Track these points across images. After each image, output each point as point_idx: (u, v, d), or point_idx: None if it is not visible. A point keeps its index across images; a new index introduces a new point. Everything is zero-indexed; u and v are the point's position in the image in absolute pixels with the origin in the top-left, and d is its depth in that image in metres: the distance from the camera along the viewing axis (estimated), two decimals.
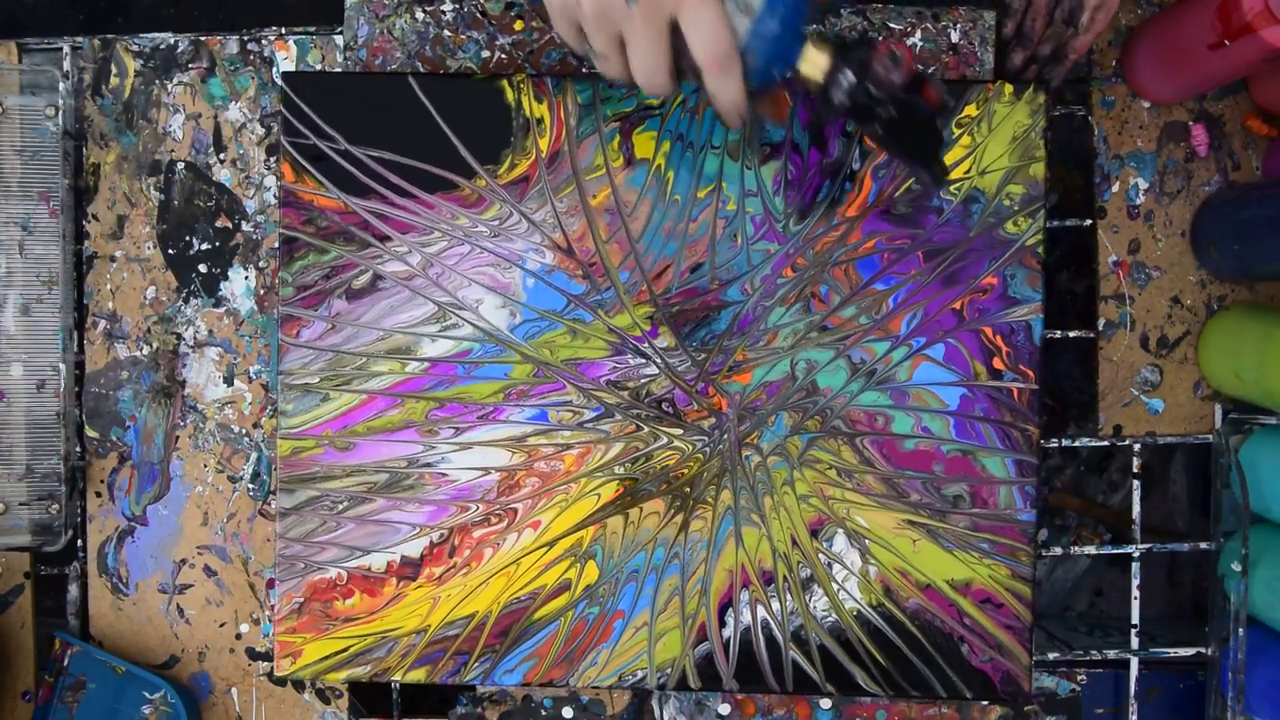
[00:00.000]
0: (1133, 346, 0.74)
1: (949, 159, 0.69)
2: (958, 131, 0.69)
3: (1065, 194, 0.83)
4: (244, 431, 0.76)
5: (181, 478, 0.76)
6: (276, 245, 0.74)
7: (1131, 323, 0.74)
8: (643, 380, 0.70)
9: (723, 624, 0.70)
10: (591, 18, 0.48)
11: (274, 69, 0.76)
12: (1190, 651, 0.75)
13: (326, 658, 0.71)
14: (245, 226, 0.76)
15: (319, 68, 0.76)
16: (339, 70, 0.76)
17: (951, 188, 0.69)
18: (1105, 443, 0.75)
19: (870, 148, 0.69)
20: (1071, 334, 0.75)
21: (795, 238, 0.70)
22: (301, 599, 0.71)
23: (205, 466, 0.76)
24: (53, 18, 0.99)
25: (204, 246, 0.76)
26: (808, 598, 0.70)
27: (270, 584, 0.76)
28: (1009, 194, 0.69)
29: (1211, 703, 0.73)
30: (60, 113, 0.74)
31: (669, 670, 0.70)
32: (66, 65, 0.77)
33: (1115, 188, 0.74)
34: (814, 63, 0.51)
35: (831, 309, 0.70)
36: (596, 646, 0.70)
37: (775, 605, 0.70)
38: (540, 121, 0.70)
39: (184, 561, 0.76)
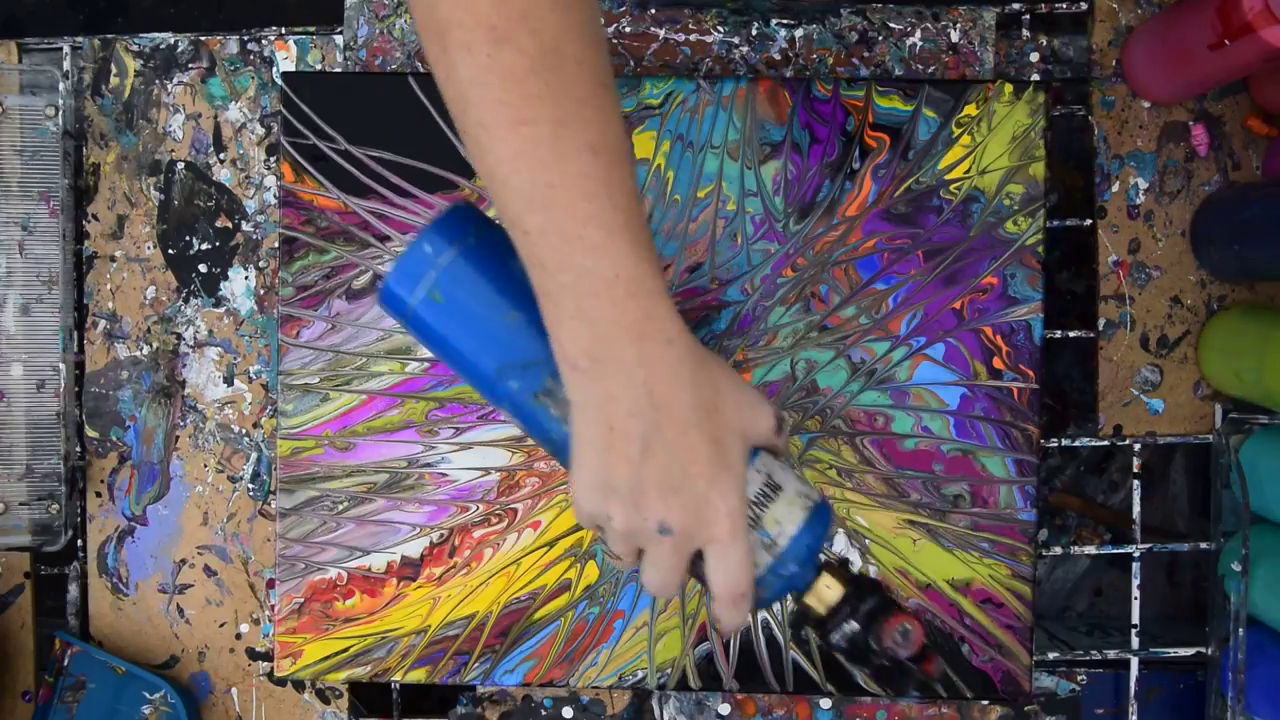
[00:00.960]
0: (1133, 346, 0.74)
1: (948, 159, 0.69)
2: (958, 131, 0.69)
3: (1065, 194, 0.83)
4: (244, 431, 0.76)
5: (181, 478, 0.76)
6: (276, 245, 0.74)
7: (1131, 323, 0.74)
8: None
9: None
10: (620, 535, 0.47)
11: (274, 69, 0.76)
12: (1190, 651, 0.75)
13: (326, 658, 0.71)
14: (245, 226, 0.76)
15: (319, 68, 0.76)
16: (339, 70, 0.76)
17: (951, 187, 0.69)
18: (1105, 443, 0.75)
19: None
20: (1071, 334, 0.75)
21: (795, 238, 0.70)
22: (302, 599, 0.71)
23: (205, 466, 0.76)
24: (53, 18, 0.99)
25: (204, 246, 0.76)
26: None
27: (270, 584, 0.76)
28: (1009, 194, 0.69)
29: (1211, 703, 0.73)
30: (60, 113, 0.74)
31: (669, 670, 0.70)
32: (66, 65, 0.77)
33: (1115, 188, 0.74)
34: (822, 598, 0.49)
35: (831, 309, 0.70)
36: (596, 646, 0.70)
37: (775, 605, 0.70)
38: None
39: (184, 561, 0.76)
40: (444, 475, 0.70)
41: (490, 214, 0.70)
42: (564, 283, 0.43)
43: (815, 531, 0.48)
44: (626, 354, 0.44)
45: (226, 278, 0.76)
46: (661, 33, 0.76)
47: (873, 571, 0.70)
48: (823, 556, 0.49)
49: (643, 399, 0.44)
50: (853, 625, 0.48)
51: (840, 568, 0.49)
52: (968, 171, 0.69)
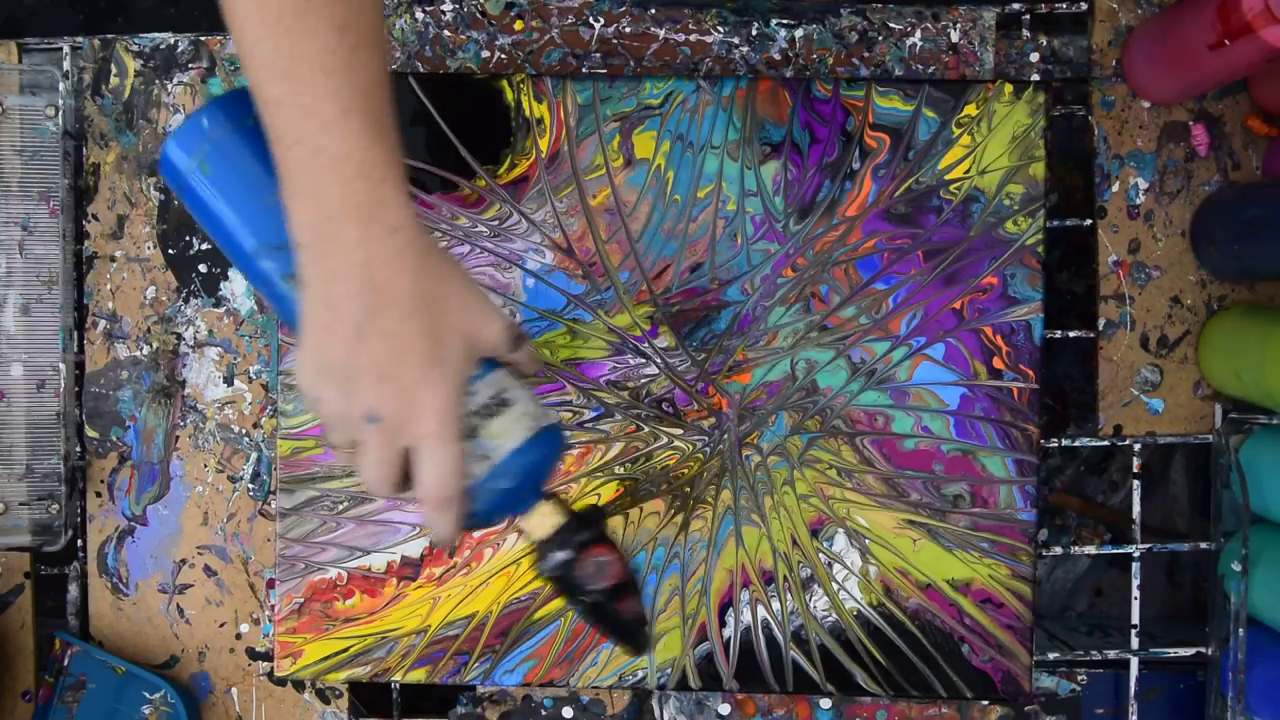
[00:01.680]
0: (1133, 346, 0.74)
1: (948, 159, 0.69)
2: (958, 131, 0.69)
3: (1065, 194, 0.83)
4: (244, 431, 0.76)
5: (181, 478, 0.76)
6: None
7: (1131, 323, 0.74)
8: (643, 380, 0.70)
9: (723, 624, 0.70)
10: (333, 420, 0.46)
11: None
12: (1190, 651, 0.75)
13: (326, 658, 0.71)
14: None
15: None
16: None
17: (951, 187, 0.69)
18: (1105, 443, 0.75)
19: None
20: (1071, 334, 0.75)
21: (795, 238, 0.70)
22: (302, 599, 0.71)
23: (205, 466, 0.76)
24: (53, 18, 0.99)
25: (204, 246, 0.76)
26: (808, 597, 0.70)
27: (270, 584, 0.76)
28: (1009, 194, 0.69)
29: (1211, 703, 0.73)
30: (60, 113, 0.74)
31: (669, 670, 0.70)
32: (66, 65, 0.77)
33: (1115, 188, 0.74)
34: (539, 525, 0.50)
35: (831, 309, 0.70)
36: (596, 646, 0.70)
37: (775, 605, 0.70)
38: (540, 121, 0.70)
39: (184, 561, 0.76)
40: None
41: (490, 212, 0.69)
42: (297, 157, 0.44)
43: (537, 453, 0.48)
44: (350, 234, 0.44)
45: (226, 278, 0.76)
46: (661, 33, 0.76)
47: (872, 572, 0.70)
48: (553, 488, 0.49)
49: (362, 281, 0.44)
50: (561, 555, 0.49)
51: (561, 503, 0.50)
52: (968, 171, 0.69)
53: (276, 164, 0.45)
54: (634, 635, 0.53)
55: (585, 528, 0.50)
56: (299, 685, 0.76)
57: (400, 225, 0.45)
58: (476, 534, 0.69)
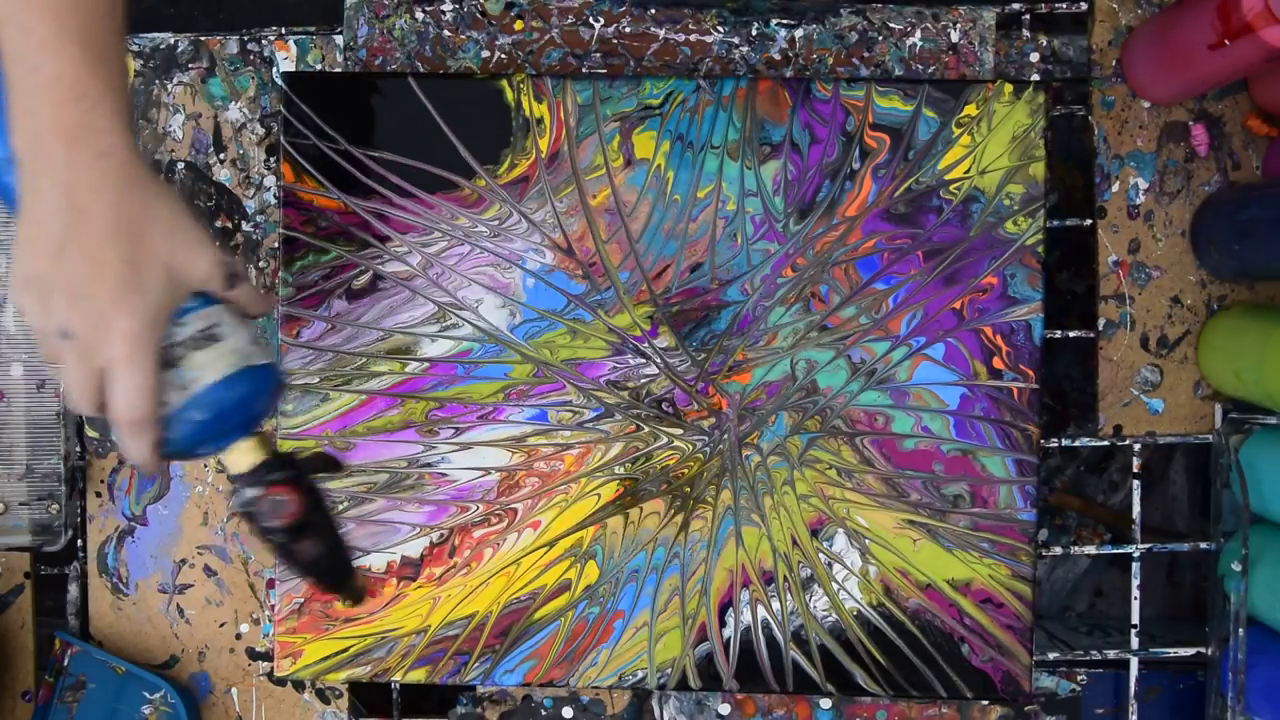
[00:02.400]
0: (1133, 346, 0.74)
1: (948, 159, 0.69)
2: (958, 131, 0.69)
3: (1065, 194, 0.82)
4: None
5: (181, 478, 0.76)
6: (276, 245, 0.74)
7: (1131, 323, 0.74)
8: (643, 380, 0.70)
9: (723, 624, 0.70)
10: (36, 332, 0.48)
11: (274, 69, 0.76)
12: (1190, 651, 0.75)
13: (326, 658, 0.71)
14: (245, 226, 0.76)
15: (319, 68, 0.76)
16: (339, 70, 0.76)
17: (951, 187, 0.69)
18: (1105, 443, 0.75)
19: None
20: (1071, 334, 0.75)
21: (795, 238, 0.70)
22: (301, 599, 0.71)
23: (205, 466, 0.76)
24: None
25: None
26: (808, 598, 0.70)
27: (270, 584, 0.76)
28: (1009, 194, 0.69)
29: (1211, 703, 0.73)
30: None
31: (669, 670, 0.70)
32: None
33: (1115, 188, 0.74)
34: (236, 461, 0.50)
35: (831, 309, 0.70)
36: (596, 646, 0.70)
37: (775, 605, 0.70)
38: (540, 121, 0.70)
39: (184, 561, 0.76)
40: (444, 475, 0.70)
41: (490, 212, 0.70)
42: (17, 74, 0.46)
43: (241, 390, 0.48)
44: (57, 154, 0.46)
45: None
46: (661, 33, 0.76)
47: (872, 572, 0.70)
48: (261, 429, 0.50)
49: (64, 201, 0.46)
50: (249, 492, 0.50)
51: (264, 443, 0.50)
52: (968, 171, 0.69)
53: (5, 81, 0.47)
54: (328, 579, 0.54)
55: (280, 469, 0.51)
56: (299, 685, 0.76)
57: (108, 151, 0.46)
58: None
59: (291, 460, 0.52)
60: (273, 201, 0.76)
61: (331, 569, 0.54)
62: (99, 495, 0.76)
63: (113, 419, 0.47)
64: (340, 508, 0.71)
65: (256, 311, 0.51)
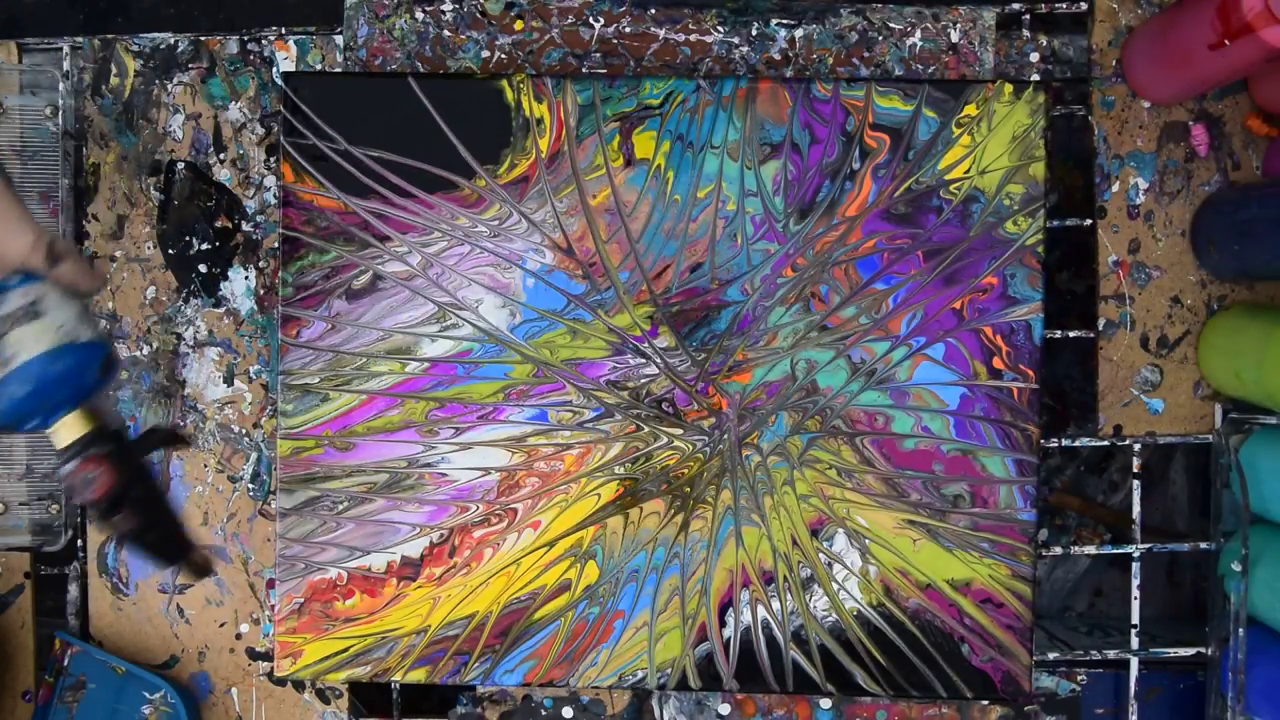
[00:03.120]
0: (1133, 346, 0.74)
1: (948, 159, 0.69)
2: (958, 131, 0.69)
3: (1065, 194, 0.82)
4: (244, 431, 0.76)
5: (181, 478, 0.76)
6: (276, 245, 0.74)
7: (1131, 323, 0.74)
8: (643, 380, 0.70)
9: (723, 624, 0.70)
10: None
11: (274, 69, 0.76)
12: (1190, 651, 0.75)
13: (327, 658, 0.71)
14: (245, 226, 0.76)
15: (319, 68, 0.76)
16: (339, 70, 0.76)
17: (951, 187, 0.69)
18: (1105, 443, 0.75)
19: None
20: (1071, 334, 0.75)
21: (795, 238, 0.70)
22: (302, 599, 0.71)
23: (205, 466, 0.76)
24: (53, 18, 0.99)
25: (204, 246, 0.76)
26: (808, 597, 0.70)
27: (270, 584, 0.76)
28: (1009, 194, 0.69)
29: (1211, 703, 0.73)
30: (60, 113, 0.74)
31: (669, 670, 0.70)
32: (66, 65, 0.77)
33: (1115, 188, 0.74)
34: (60, 436, 0.52)
35: (831, 309, 0.70)
36: (596, 646, 0.70)
37: (775, 605, 0.70)
38: (540, 121, 0.70)
39: None
40: (444, 475, 0.70)
41: (490, 212, 0.70)
42: None
43: (63, 365, 0.50)
44: None
45: (226, 278, 0.76)
46: (661, 33, 0.75)
47: (872, 572, 0.70)
48: (92, 404, 0.51)
49: None
50: (67, 466, 0.51)
51: (93, 416, 0.51)
52: (968, 171, 0.69)
53: None
54: (157, 554, 0.54)
55: (101, 443, 0.51)
56: (299, 685, 0.76)
57: None
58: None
59: (116, 434, 0.52)
60: (273, 201, 0.76)
61: (158, 544, 0.54)
62: None
63: None
64: (340, 508, 0.71)
65: (86, 288, 0.52)
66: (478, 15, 0.76)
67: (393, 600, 0.71)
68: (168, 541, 0.55)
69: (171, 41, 0.76)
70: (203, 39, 0.76)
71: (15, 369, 0.49)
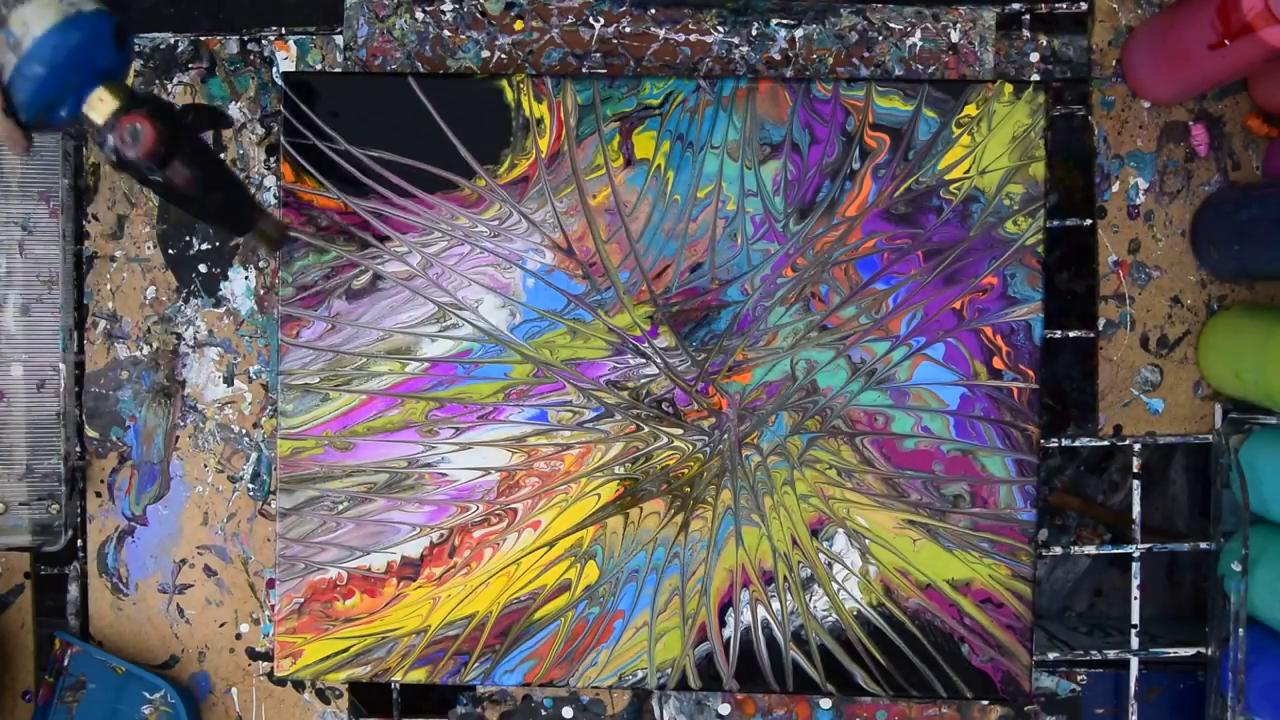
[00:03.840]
0: (1133, 346, 0.74)
1: (948, 159, 0.69)
2: (958, 131, 0.69)
3: (1065, 194, 0.83)
4: (244, 431, 0.76)
5: (181, 478, 0.76)
6: None
7: (1131, 323, 0.74)
8: (643, 380, 0.70)
9: (723, 624, 0.70)
10: None
11: (274, 69, 0.76)
12: (1190, 651, 0.75)
13: (327, 658, 0.71)
14: None
15: (319, 68, 0.76)
16: (339, 70, 0.76)
17: (951, 187, 0.69)
18: (1105, 443, 0.75)
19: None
20: (1071, 334, 0.75)
21: (795, 238, 0.70)
22: (302, 599, 0.71)
23: (205, 466, 0.76)
24: None
25: (204, 246, 0.76)
26: (808, 598, 0.70)
27: (270, 584, 0.76)
28: (1009, 193, 0.69)
29: (1211, 703, 0.73)
30: None
31: (669, 670, 0.70)
32: None
33: (1115, 188, 0.74)
34: (96, 111, 0.50)
35: (831, 309, 0.70)
36: (596, 646, 0.70)
37: (775, 605, 0.70)
38: (540, 121, 0.70)
39: (184, 561, 0.76)
40: (444, 475, 0.70)
41: (490, 212, 0.70)
42: None
43: (76, 36, 0.48)
44: None
45: (226, 278, 0.76)
46: (661, 33, 0.75)
47: (872, 572, 0.70)
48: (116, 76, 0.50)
49: None
50: (111, 136, 0.49)
51: (120, 87, 0.50)
52: (968, 171, 0.69)
53: None
54: (226, 213, 0.53)
55: (136, 103, 0.50)
56: (299, 685, 0.76)
57: None
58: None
59: (151, 96, 0.51)
60: (273, 201, 0.76)
61: (226, 207, 0.52)
62: (99, 495, 0.76)
63: None
64: (340, 508, 0.71)
65: None
66: (478, 15, 0.76)
67: (393, 600, 0.71)
68: (235, 204, 0.53)
69: (171, 41, 0.76)
70: (203, 39, 0.76)
71: (28, 50, 0.48)
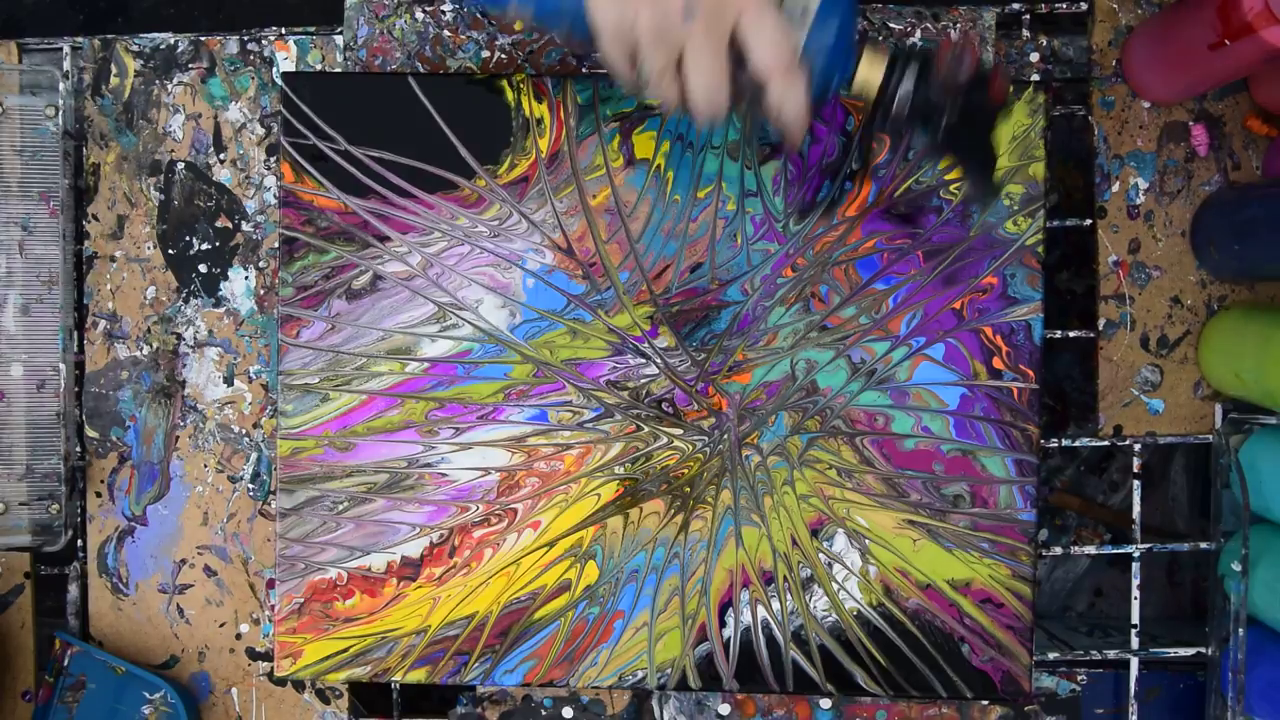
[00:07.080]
0: (1133, 346, 0.74)
1: (948, 159, 0.69)
2: None
3: (1065, 194, 0.83)
4: (244, 431, 0.76)
5: (181, 478, 0.76)
6: (276, 245, 0.74)
7: (1131, 323, 0.74)
8: (643, 380, 0.70)
9: (723, 624, 0.70)
10: (650, 36, 0.46)
11: (274, 69, 0.76)
12: (1190, 651, 0.75)
13: (327, 658, 0.71)
14: (245, 226, 0.76)
15: (319, 68, 0.76)
16: (339, 70, 0.76)
17: (951, 187, 0.69)
18: (1105, 443, 0.75)
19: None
20: (1071, 334, 0.75)
21: (795, 238, 0.70)
22: (302, 599, 0.71)
23: (205, 466, 0.76)
24: (53, 18, 0.99)
25: (204, 246, 0.76)
26: (808, 598, 0.70)
27: (270, 584, 0.76)
28: (1009, 194, 0.69)
29: (1211, 703, 0.73)
30: (60, 113, 0.74)
31: (669, 670, 0.70)
32: (66, 65, 0.77)
33: (1115, 188, 0.74)
34: (872, 71, 0.49)
35: (831, 309, 0.70)
36: (596, 646, 0.70)
37: (775, 605, 0.70)
38: (540, 121, 0.70)
39: (184, 561, 0.76)
40: (444, 475, 0.70)
41: (490, 212, 0.70)
42: None
43: (842, 3, 0.47)
44: None
45: (226, 278, 0.76)
46: None
47: (872, 572, 0.70)
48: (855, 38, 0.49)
49: None
50: (908, 84, 0.48)
51: (875, 44, 0.49)
52: None
53: None
54: (992, 153, 0.51)
55: (914, 51, 0.48)
56: (299, 685, 0.76)
57: None
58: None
59: (912, 48, 0.50)
60: (273, 201, 0.76)
61: (995, 134, 0.51)
62: (99, 495, 0.76)
63: (765, 71, 0.46)
64: (340, 508, 0.71)
65: None
66: (478, 15, 0.76)
67: (393, 600, 0.71)
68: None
69: (171, 41, 0.76)
70: (203, 39, 0.76)
71: (816, 15, 0.46)
